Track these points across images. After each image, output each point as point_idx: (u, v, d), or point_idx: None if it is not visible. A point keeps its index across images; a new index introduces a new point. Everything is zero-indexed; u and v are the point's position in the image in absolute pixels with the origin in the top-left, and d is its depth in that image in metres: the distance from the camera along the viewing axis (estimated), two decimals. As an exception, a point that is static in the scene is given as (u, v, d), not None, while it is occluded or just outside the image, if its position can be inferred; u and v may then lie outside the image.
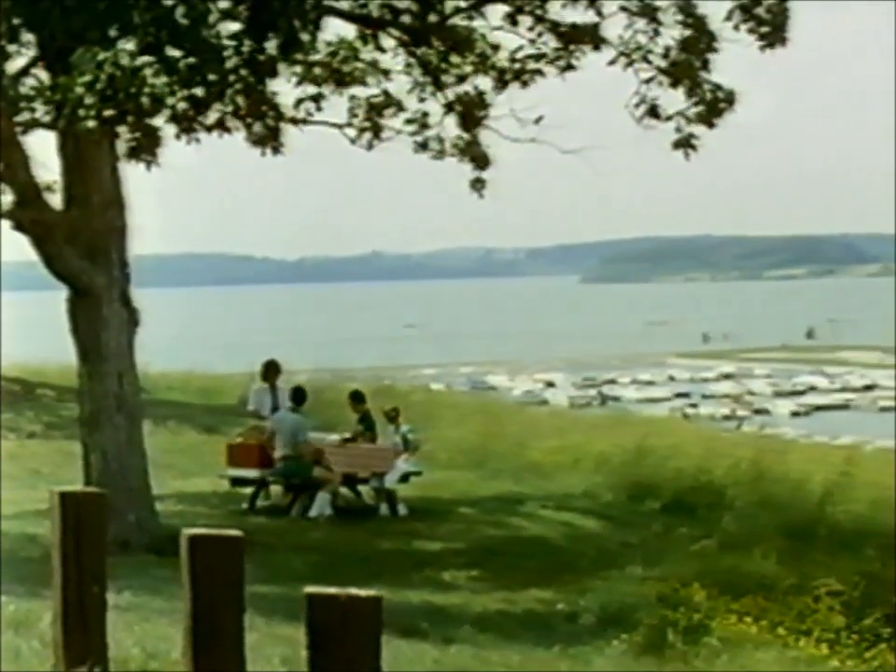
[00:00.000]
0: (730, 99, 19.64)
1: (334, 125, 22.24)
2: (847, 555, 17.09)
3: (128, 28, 13.78)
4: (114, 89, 13.40)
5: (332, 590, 5.41)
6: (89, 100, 13.59)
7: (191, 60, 14.25)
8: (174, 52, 14.13)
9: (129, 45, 13.66)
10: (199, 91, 15.00)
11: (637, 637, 12.66)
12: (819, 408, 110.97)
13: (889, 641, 12.40)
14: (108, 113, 13.74)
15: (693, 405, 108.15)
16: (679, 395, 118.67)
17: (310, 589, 5.43)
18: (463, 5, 19.99)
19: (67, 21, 13.72)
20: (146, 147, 15.67)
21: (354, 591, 5.39)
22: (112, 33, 13.67)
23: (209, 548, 6.79)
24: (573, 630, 13.38)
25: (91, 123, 13.95)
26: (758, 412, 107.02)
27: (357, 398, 22.63)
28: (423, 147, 21.95)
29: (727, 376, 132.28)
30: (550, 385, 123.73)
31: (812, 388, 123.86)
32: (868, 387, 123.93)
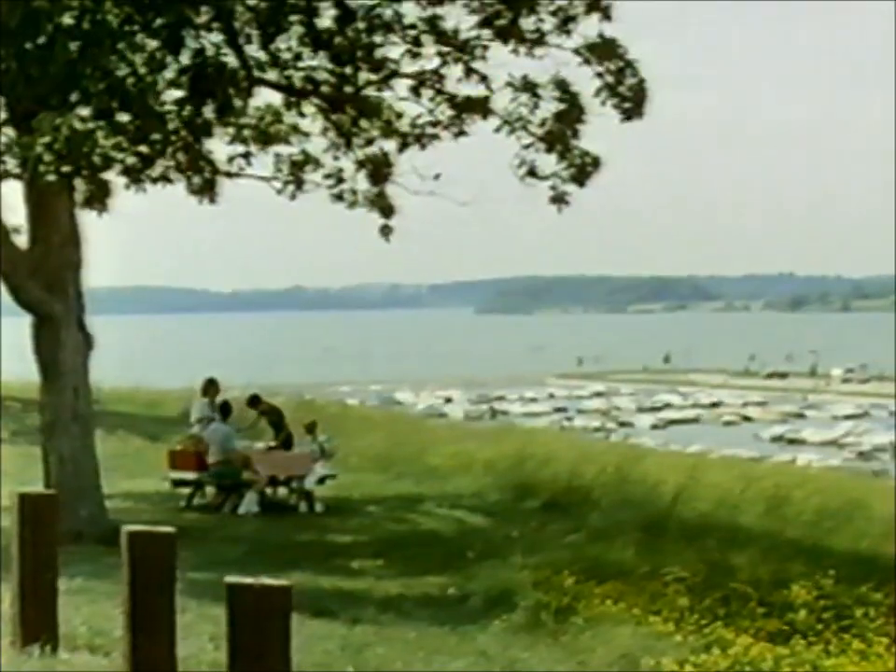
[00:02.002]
0: (596, 163, 19.73)
1: (262, 178, 22.25)
2: (693, 546, 17.04)
3: (84, 95, 13.71)
4: (69, 149, 13.33)
5: (249, 580, 5.47)
6: (47, 157, 13.51)
7: (137, 122, 14.22)
8: (123, 117, 14.09)
9: (85, 110, 13.58)
10: (144, 149, 15.00)
11: (515, 617, 12.61)
12: (673, 421, 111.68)
13: (724, 619, 12.53)
14: (65, 169, 13.67)
15: (569, 418, 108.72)
16: (558, 409, 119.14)
17: (230, 578, 5.49)
18: (374, 78, 20.02)
19: (32, 88, 13.64)
20: (97, 198, 15.64)
21: (267, 580, 5.45)
22: (71, 99, 13.60)
23: (145, 542, 6.84)
24: (462, 611, 13.31)
25: (50, 177, 13.87)
26: (623, 424, 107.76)
27: (253, 402, 22.69)
28: (338, 198, 21.94)
29: (597, 394, 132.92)
30: (448, 400, 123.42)
31: (668, 405, 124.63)
32: (714, 404, 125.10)
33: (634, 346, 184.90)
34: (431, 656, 10.60)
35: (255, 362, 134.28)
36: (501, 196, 20.99)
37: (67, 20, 13.69)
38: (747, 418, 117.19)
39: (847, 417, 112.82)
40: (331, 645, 10.27)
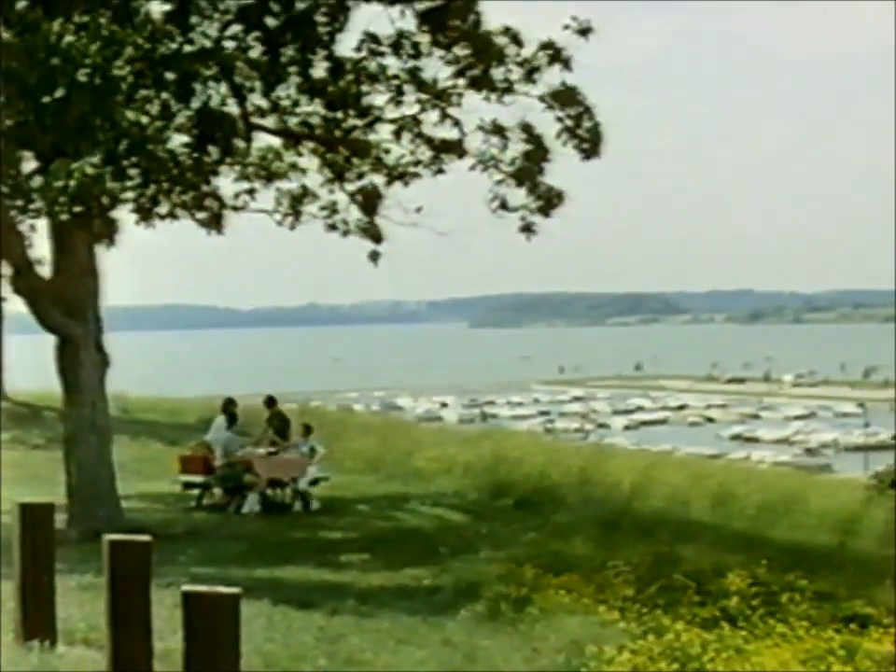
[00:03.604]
0: (560, 197, 19.77)
1: (265, 211, 22.29)
2: (645, 540, 16.89)
3: (95, 143, 13.70)
4: (81, 191, 13.31)
5: (203, 588, 5.40)
6: (62, 199, 13.50)
7: (142, 167, 14.22)
8: (128, 162, 14.09)
9: (95, 157, 13.56)
10: (150, 190, 15.00)
11: (479, 608, 12.46)
12: (644, 423, 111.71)
13: (664, 607, 12.36)
14: (77, 209, 13.66)
15: (552, 421, 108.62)
16: (542, 412, 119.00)
17: (185, 588, 5.42)
18: (360, 123, 20.04)
19: (48, 137, 13.63)
20: (105, 234, 15.64)
21: (220, 589, 5.38)
22: (82, 147, 13.59)
23: (124, 548, 6.79)
24: (433, 601, 13.15)
25: (64, 216, 13.88)
26: (600, 426, 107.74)
27: (270, 402, 22.54)
28: (333, 227, 21.95)
29: (577, 398, 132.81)
30: (444, 405, 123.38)
31: (640, 408, 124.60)
32: (681, 407, 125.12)
33: (610, 356, 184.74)
34: (400, 645, 10.46)
35: (272, 372, 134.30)
36: (479, 225, 21.04)
37: (81, 77, 13.68)
38: (709, 419, 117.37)
39: (797, 418, 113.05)
40: (308, 636, 10.08)
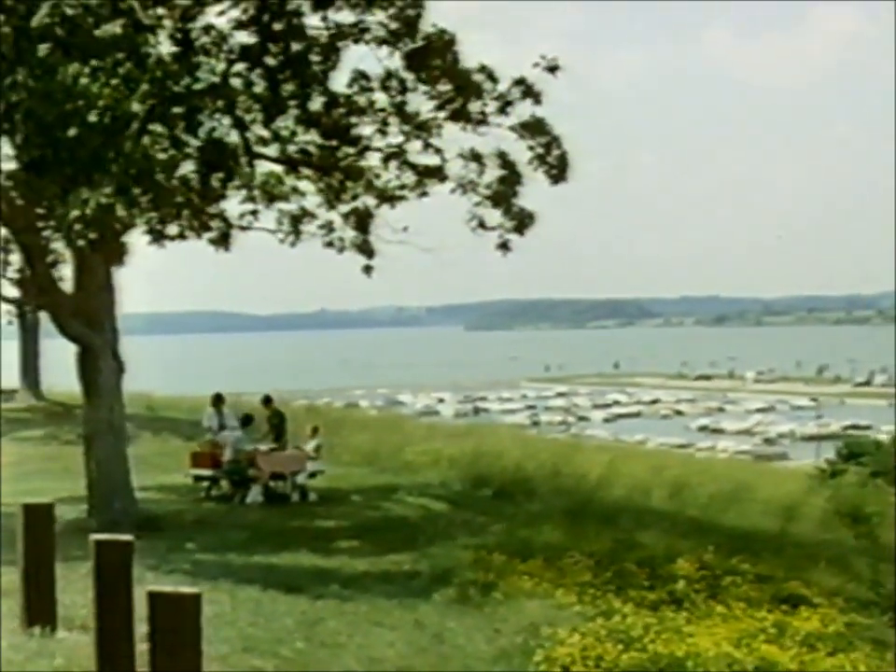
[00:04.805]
0: (532, 217, 19.64)
1: (268, 230, 22.30)
2: (607, 527, 16.73)
3: (106, 175, 13.65)
4: (94, 219, 13.27)
5: (168, 588, 5.37)
6: (77, 226, 13.46)
7: (151, 196, 14.19)
8: (138, 191, 14.04)
9: (108, 188, 13.49)
10: (158, 215, 14.99)
11: (450, 592, 12.34)
12: (621, 416, 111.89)
13: (617, 591, 12.21)
14: (92, 235, 13.62)
15: (538, 414, 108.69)
16: (529, 407, 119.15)
17: (151, 588, 5.38)
18: (352, 151, 20.00)
19: (64, 170, 13.58)
20: (116, 256, 15.63)
21: (184, 589, 5.34)
22: (95, 178, 13.53)
23: (109, 547, 6.77)
24: (410, 586, 13.03)
25: (80, 242, 13.84)
26: (581, 418, 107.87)
27: (266, 401, 22.39)
28: (329, 244, 21.89)
29: (560, 394, 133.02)
30: (441, 401, 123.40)
31: (617, 402, 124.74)
32: (653, 401, 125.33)
33: (590, 356, 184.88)
34: (374, 627, 10.36)
35: (287, 371, 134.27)
36: (464, 241, 20.98)
37: (93, 117, 13.64)
38: (679, 412, 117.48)
39: (758, 411, 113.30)
40: (290, 620, 9.97)
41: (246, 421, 21.66)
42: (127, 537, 6.64)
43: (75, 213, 13.48)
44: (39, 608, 7.92)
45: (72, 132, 13.45)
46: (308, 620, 10.15)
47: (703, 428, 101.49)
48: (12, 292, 36.16)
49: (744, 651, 9.53)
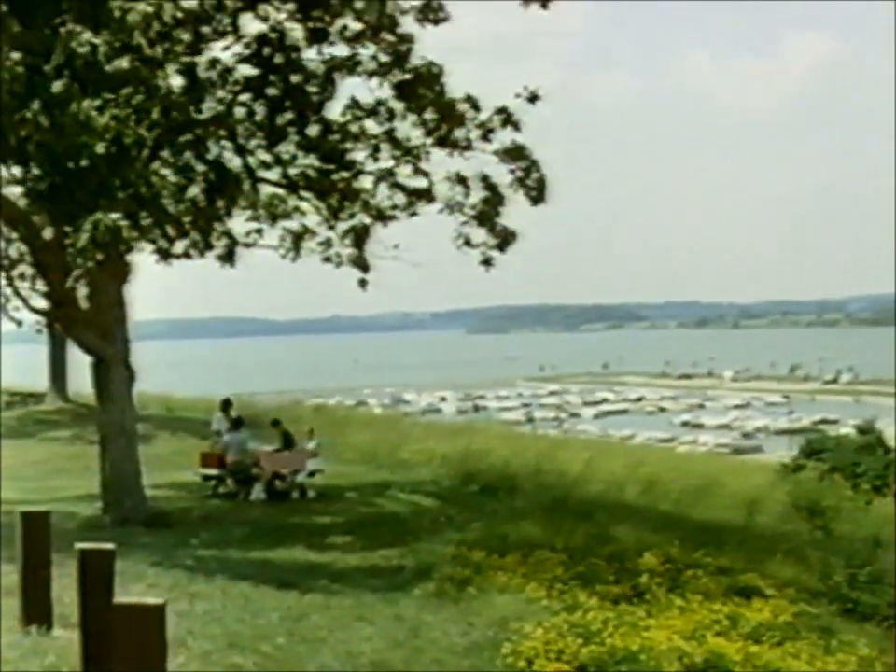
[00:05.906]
0: (514, 235, 19.62)
1: (271, 247, 22.22)
2: (584, 522, 16.47)
3: (113, 201, 13.61)
4: (102, 242, 13.21)
5: (134, 599, 5.27)
6: (88, 248, 13.41)
7: (154, 220, 14.14)
8: (144, 215, 14.00)
9: (114, 213, 13.44)
10: (163, 237, 14.92)
11: (430, 587, 12.15)
12: (609, 412, 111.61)
13: (584, 585, 11.95)
14: (100, 257, 13.58)
15: (532, 411, 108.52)
16: (524, 404, 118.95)
17: (118, 600, 5.29)
18: (346, 175, 19.96)
19: (73, 197, 13.55)
20: (120, 274, 15.59)
21: (148, 600, 5.24)
22: (102, 204, 13.49)
23: (92, 555, 6.71)
24: (394, 580, 12.83)
25: (90, 263, 13.80)
26: (572, 415, 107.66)
27: (274, 423, 22.32)
28: (328, 259, 21.81)
29: (553, 392, 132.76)
30: (443, 399, 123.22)
31: (605, 400, 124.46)
32: (639, 399, 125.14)
33: (581, 357, 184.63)
34: (355, 622, 10.20)
35: (302, 372, 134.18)
36: (448, 257, 20.87)
37: (100, 149, 13.60)
38: (662, 409, 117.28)
39: (735, 407, 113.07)
40: (276, 616, 9.73)
41: (237, 423, 21.59)
42: (109, 546, 6.58)
43: (84, 236, 13.43)
44: (36, 608, 7.87)
45: (82, 162, 13.40)
46: (293, 615, 9.97)
47: (685, 424, 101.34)
48: (41, 304, 36.13)
49: (694, 644, 9.40)
